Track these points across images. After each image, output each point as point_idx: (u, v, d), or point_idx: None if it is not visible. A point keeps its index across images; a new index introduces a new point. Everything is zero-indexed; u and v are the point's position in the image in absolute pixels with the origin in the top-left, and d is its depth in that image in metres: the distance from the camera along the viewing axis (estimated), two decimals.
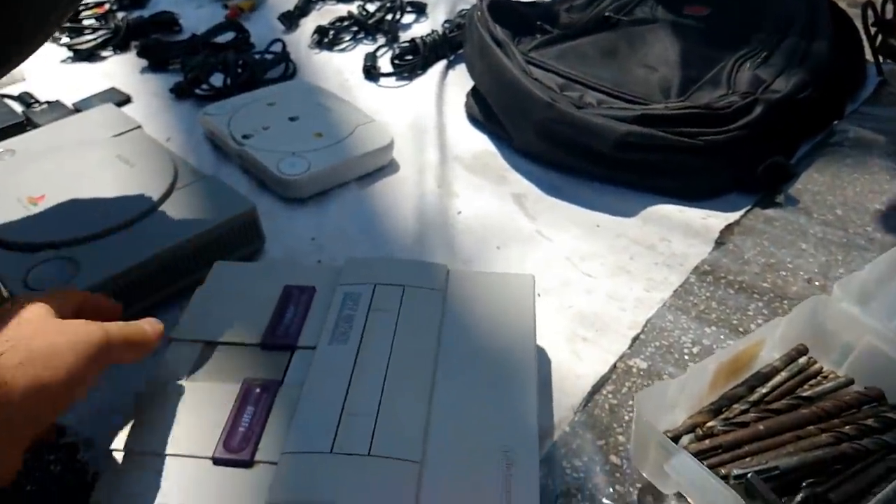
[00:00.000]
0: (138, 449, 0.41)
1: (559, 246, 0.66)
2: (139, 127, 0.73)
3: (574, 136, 0.71)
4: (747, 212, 0.70)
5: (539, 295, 0.57)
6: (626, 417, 0.50)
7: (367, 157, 0.75)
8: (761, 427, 0.46)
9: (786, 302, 0.60)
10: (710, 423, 0.47)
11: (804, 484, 0.43)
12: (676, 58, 0.78)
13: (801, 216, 0.69)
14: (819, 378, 0.51)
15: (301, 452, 0.40)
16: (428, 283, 0.51)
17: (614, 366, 0.54)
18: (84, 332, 0.37)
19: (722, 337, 0.56)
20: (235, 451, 0.41)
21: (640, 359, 0.55)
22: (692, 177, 0.70)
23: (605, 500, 0.45)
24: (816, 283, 0.61)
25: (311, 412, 0.42)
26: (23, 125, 0.81)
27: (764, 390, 0.49)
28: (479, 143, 0.82)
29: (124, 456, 0.41)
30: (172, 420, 0.43)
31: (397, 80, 0.96)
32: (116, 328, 0.39)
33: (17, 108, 0.86)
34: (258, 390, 0.44)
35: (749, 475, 0.42)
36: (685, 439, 0.47)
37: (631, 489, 0.46)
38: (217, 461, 0.40)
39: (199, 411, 0.43)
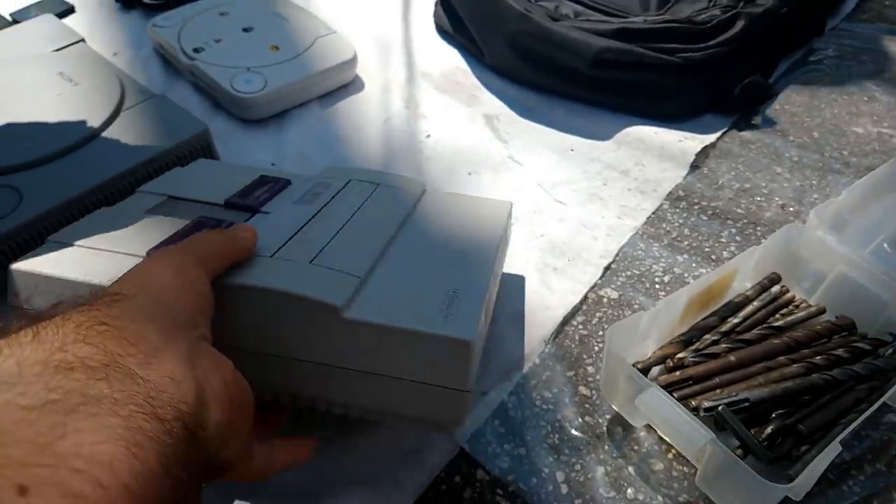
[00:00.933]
0: (71, 241, 0.39)
1: (531, 171, 0.64)
2: (82, 40, 0.68)
3: (548, 51, 0.67)
4: (723, 134, 0.68)
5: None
6: (596, 348, 0.49)
7: (328, 73, 0.71)
8: (732, 358, 0.46)
9: (759, 228, 0.59)
10: (680, 355, 0.46)
11: (774, 415, 0.43)
12: None
13: (777, 139, 0.68)
14: (791, 307, 0.50)
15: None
16: (403, 188, 0.49)
17: (585, 296, 0.53)
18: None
19: (693, 265, 0.55)
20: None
21: (611, 288, 0.53)
22: (669, 97, 0.67)
23: (574, 432, 0.45)
24: (791, 209, 0.60)
25: (262, 232, 0.39)
26: None
27: (735, 320, 0.49)
28: (448, 58, 0.78)
29: (54, 244, 0.39)
30: (117, 227, 0.40)
31: None
32: (210, 252, 0.34)
33: None
34: (212, 222, 0.42)
35: (720, 408, 0.42)
36: (655, 371, 0.47)
37: (600, 420, 0.45)
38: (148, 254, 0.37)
39: (148, 226, 0.41)
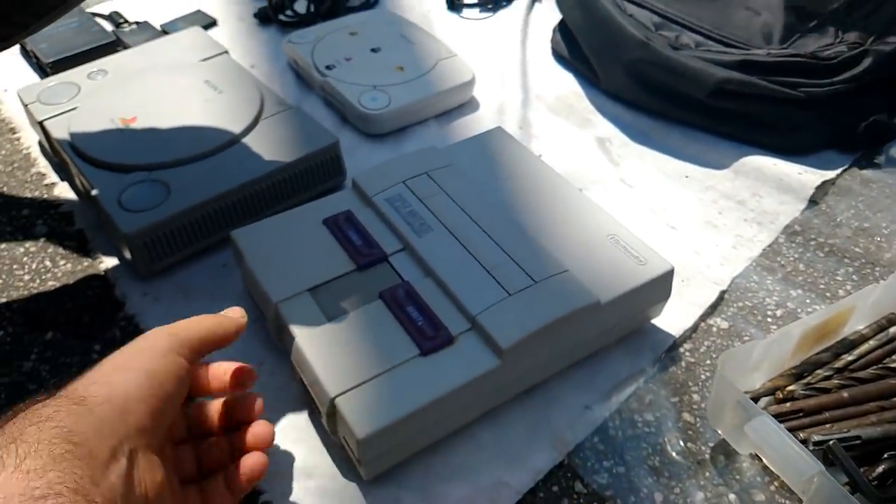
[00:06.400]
0: (351, 385, 0.41)
1: (643, 194, 0.64)
2: (226, 52, 0.74)
3: (668, 79, 0.68)
4: (844, 171, 0.67)
5: None
6: (703, 376, 0.50)
7: (448, 93, 0.74)
8: (845, 394, 0.45)
9: (877, 269, 0.57)
10: (790, 387, 0.46)
11: (886, 455, 0.42)
12: (781, 1, 0.74)
13: None
14: None
15: (490, 307, 0.45)
16: (440, 164, 0.56)
17: (695, 324, 0.53)
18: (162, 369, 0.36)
19: (808, 301, 0.55)
20: (433, 338, 0.44)
21: (721, 318, 0.54)
22: (789, 131, 0.67)
23: (675, 456, 0.45)
24: None
25: (464, 283, 0.46)
26: (114, 45, 0.83)
27: (849, 358, 0.48)
28: (563, 82, 0.80)
29: (348, 394, 0.41)
30: (353, 351, 0.43)
31: (481, 11, 0.94)
32: (189, 331, 0.38)
33: (108, 26, 0.88)
34: (400, 293, 0.46)
35: (831, 442, 0.41)
36: (763, 401, 0.46)
37: (703, 447, 0.46)
38: (426, 352, 0.43)
39: (369, 334, 0.44)
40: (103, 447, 0.30)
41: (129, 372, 0.34)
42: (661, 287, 0.49)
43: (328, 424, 0.43)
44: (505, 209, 0.53)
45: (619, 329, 0.50)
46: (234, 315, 0.42)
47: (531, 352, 0.44)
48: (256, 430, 0.41)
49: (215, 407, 0.42)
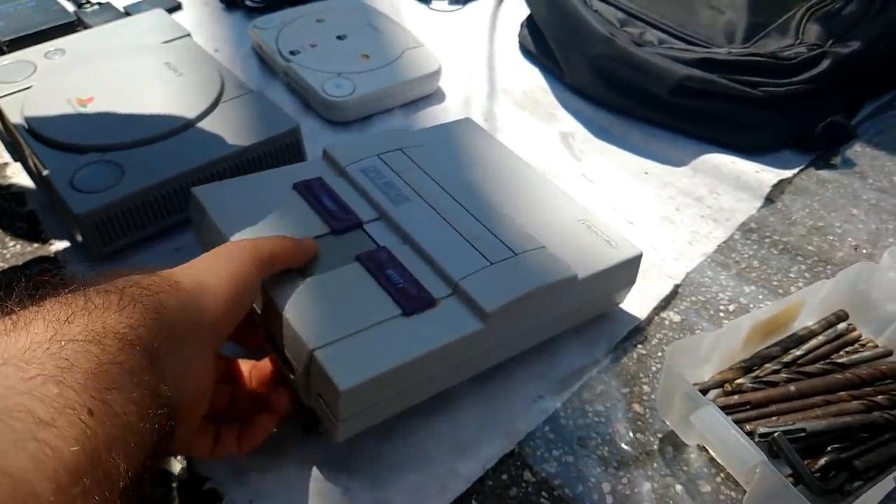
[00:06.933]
0: (332, 339, 0.40)
1: (603, 190, 0.65)
2: (188, 35, 0.73)
3: (630, 75, 0.68)
4: (801, 171, 0.67)
5: None
6: (654, 368, 0.50)
7: (414, 83, 0.74)
8: (792, 388, 0.46)
9: (829, 267, 0.58)
10: (739, 380, 0.47)
11: (829, 448, 0.43)
12: (745, 1, 0.75)
13: (855, 180, 0.67)
14: (857, 346, 0.50)
15: (473, 273, 0.44)
16: (412, 143, 0.56)
17: (649, 317, 0.53)
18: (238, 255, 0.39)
19: (760, 297, 0.55)
20: (416, 298, 0.43)
21: (674, 312, 0.54)
22: (748, 130, 0.68)
23: (624, 446, 0.45)
24: (864, 251, 0.60)
25: (445, 250, 0.46)
26: (74, 25, 0.81)
27: (798, 352, 0.49)
28: (530, 77, 0.80)
29: (327, 348, 0.39)
30: (332, 308, 0.42)
31: (450, 3, 0.93)
32: (269, 245, 0.41)
33: (69, 7, 0.86)
34: (378, 257, 0.45)
35: (775, 434, 0.42)
36: (712, 394, 0.47)
37: (652, 438, 0.46)
38: (408, 312, 0.42)
39: (349, 292, 0.43)
40: (181, 328, 0.33)
41: (216, 272, 0.37)
42: (629, 271, 0.50)
43: (302, 384, 0.41)
44: (480, 190, 0.52)
45: (588, 310, 0.51)
46: (309, 244, 0.45)
47: (512, 319, 0.44)
48: (276, 395, 0.43)
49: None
